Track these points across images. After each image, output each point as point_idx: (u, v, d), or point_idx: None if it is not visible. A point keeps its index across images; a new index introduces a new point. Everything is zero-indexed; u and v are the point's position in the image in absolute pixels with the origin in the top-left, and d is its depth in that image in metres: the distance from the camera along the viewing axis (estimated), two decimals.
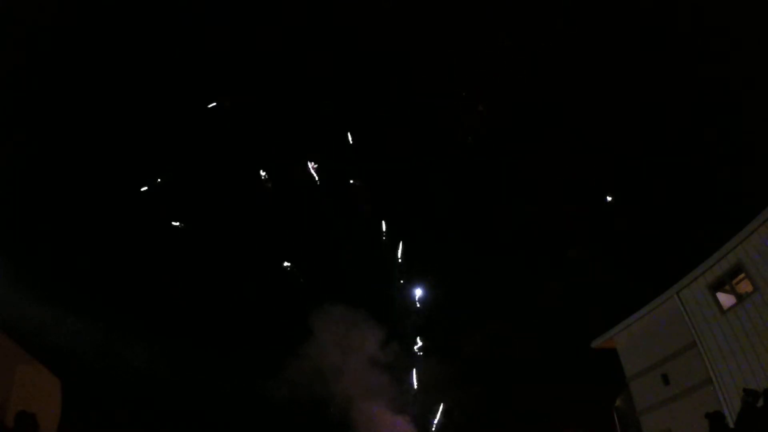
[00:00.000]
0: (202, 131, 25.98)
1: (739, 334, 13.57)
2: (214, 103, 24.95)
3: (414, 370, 25.94)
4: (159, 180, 24.67)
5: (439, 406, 24.99)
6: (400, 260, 27.39)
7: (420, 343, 26.58)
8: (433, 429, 24.96)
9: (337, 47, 26.71)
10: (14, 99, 18.93)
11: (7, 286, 14.79)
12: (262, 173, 26.72)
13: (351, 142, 26.82)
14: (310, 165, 27.03)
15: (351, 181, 27.05)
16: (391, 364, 25.71)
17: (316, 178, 26.90)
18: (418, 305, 28.06)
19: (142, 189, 24.54)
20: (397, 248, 27.39)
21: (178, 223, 25.00)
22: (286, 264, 26.84)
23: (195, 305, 25.42)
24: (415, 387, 25.70)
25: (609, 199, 24.78)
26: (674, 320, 15.94)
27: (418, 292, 28.44)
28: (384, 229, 27.78)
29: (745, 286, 13.96)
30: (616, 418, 21.14)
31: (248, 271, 26.64)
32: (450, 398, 24.96)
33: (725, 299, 14.61)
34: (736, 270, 14.00)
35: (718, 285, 14.74)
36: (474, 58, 25.81)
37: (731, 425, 9.36)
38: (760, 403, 8.29)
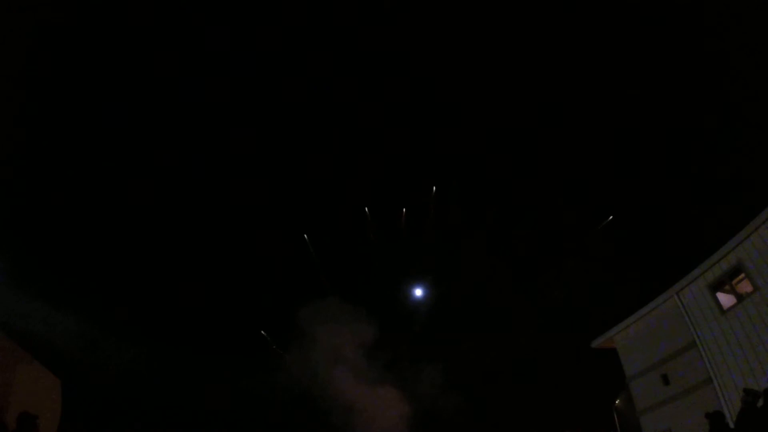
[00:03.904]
0: (198, 129, 26.04)
1: (739, 334, 13.60)
2: None
3: None
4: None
5: None
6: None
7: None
8: None
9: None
10: (14, 98, 18.92)
11: (7, 287, 14.78)
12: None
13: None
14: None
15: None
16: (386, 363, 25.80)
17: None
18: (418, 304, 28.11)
19: None
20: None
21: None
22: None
23: (193, 304, 25.43)
24: None
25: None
26: (674, 320, 15.97)
27: (418, 292, 28.48)
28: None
29: (745, 286, 13.99)
30: (616, 418, 21.19)
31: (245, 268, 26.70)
32: (448, 398, 24.94)
33: (725, 299, 14.63)
34: (736, 270, 14.02)
35: (718, 285, 14.76)
36: (474, 61, 25.84)
37: (731, 425, 9.37)
38: (760, 403, 8.30)
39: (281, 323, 25.94)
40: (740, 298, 13.91)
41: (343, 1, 25.50)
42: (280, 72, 26.91)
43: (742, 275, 13.88)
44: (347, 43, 26.65)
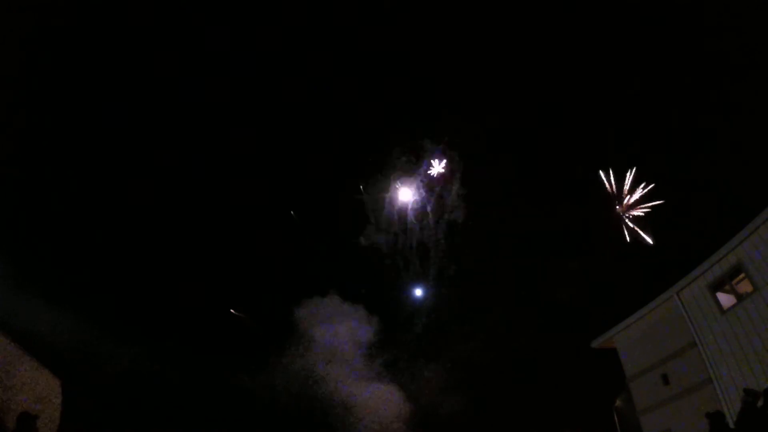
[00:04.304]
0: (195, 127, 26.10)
1: (739, 334, 13.59)
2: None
3: None
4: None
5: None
6: None
7: None
8: None
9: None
10: (14, 98, 18.91)
11: (7, 287, 14.77)
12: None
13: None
14: None
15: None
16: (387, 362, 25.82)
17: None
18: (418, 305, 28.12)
19: None
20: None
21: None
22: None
23: (193, 304, 25.41)
24: None
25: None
26: (674, 320, 15.95)
27: (418, 292, 28.49)
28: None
29: (745, 286, 13.97)
30: (616, 418, 21.16)
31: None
32: (448, 398, 24.95)
33: (725, 299, 14.62)
34: (736, 270, 14.01)
35: (718, 285, 14.74)
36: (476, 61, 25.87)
37: (731, 425, 9.37)
38: (760, 403, 8.30)
39: (281, 322, 25.94)
40: (740, 298, 13.90)
41: (343, 1, 25.53)
42: (280, 72, 26.95)
43: (742, 275, 13.86)
44: (347, 43, 26.69)
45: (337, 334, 25.09)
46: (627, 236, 24.61)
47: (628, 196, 24.57)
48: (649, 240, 23.98)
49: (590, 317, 22.53)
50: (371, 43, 26.43)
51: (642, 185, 24.36)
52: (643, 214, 24.39)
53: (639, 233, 24.30)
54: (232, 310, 26.02)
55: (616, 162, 24.59)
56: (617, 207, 24.35)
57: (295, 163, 28.21)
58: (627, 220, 24.58)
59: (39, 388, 10.95)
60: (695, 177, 22.90)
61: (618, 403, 21.14)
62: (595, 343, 19.88)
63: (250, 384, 24.18)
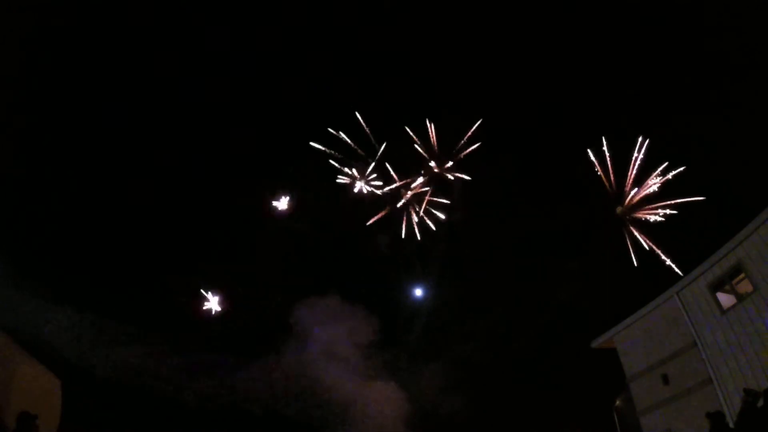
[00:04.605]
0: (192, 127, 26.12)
1: (739, 334, 13.59)
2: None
3: None
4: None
5: None
6: None
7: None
8: None
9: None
10: (14, 98, 18.93)
11: (7, 286, 14.79)
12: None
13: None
14: None
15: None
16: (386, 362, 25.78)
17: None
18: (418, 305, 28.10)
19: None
20: None
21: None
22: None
23: (192, 304, 25.41)
24: None
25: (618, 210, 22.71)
26: (674, 320, 15.97)
27: (418, 292, 28.46)
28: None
29: (745, 286, 13.98)
30: (616, 418, 21.18)
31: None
32: (448, 398, 24.94)
33: (725, 299, 14.63)
34: (736, 270, 14.03)
35: (718, 285, 14.76)
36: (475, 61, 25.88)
37: (731, 425, 9.36)
38: (760, 403, 8.29)
39: (281, 322, 25.93)
40: (740, 298, 13.91)
41: (343, 1, 25.55)
42: (280, 72, 26.95)
43: (742, 275, 13.88)
44: (347, 43, 26.70)
45: (337, 333, 25.08)
46: (633, 257, 21.47)
47: (635, 190, 21.74)
48: (676, 269, 19.36)
49: (590, 317, 22.53)
50: (371, 43, 26.47)
51: (660, 170, 20.62)
52: (661, 218, 21.04)
53: (653, 249, 20.88)
54: (202, 290, 25.39)
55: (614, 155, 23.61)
56: (618, 207, 23.54)
57: (295, 163, 28.20)
58: (631, 228, 22.37)
59: (39, 388, 10.94)
60: (695, 177, 22.89)
61: (618, 403, 21.15)
62: (595, 343, 19.89)
63: (250, 384, 24.18)
